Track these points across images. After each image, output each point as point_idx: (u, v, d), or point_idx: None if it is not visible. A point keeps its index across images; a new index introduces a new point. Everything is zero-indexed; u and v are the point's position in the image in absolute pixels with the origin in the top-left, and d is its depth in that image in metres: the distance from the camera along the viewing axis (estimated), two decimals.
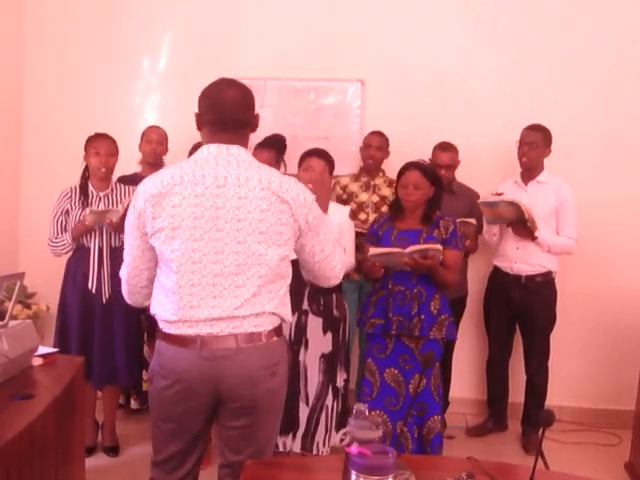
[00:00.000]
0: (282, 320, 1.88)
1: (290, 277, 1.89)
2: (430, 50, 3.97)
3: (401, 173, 3.01)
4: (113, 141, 3.17)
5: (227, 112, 1.81)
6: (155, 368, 1.86)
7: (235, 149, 1.80)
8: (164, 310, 1.80)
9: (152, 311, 1.86)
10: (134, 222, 1.80)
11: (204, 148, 1.82)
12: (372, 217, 3.59)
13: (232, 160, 1.78)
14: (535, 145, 3.44)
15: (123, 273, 1.91)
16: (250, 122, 1.86)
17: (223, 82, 1.86)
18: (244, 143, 1.85)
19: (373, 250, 2.89)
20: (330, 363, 3.04)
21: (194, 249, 1.74)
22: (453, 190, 3.61)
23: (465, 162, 3.72)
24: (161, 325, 1.84)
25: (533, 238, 3.37)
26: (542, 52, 3.90)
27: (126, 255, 1.88)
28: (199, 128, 1.87)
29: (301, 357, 3.00)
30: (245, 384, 1.80)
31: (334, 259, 1.95)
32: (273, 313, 1.82)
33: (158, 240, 1.76)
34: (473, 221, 3.46)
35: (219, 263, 1.75)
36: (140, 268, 1.86)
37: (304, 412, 3.01)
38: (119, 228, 3.09)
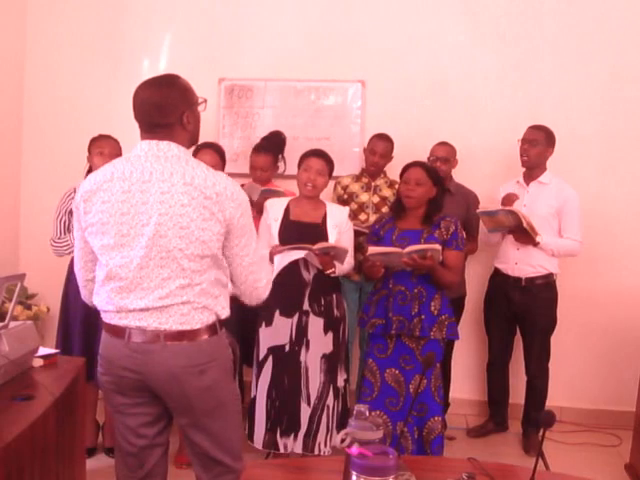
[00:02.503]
0: (216, 316, 1.86)
1: (224, 272, 1.88)
2: (431, 51, 3.97)
3: (404, 170, 3.02)
4: (117, 142, 3.18)
5: (142, 114, 1.86)
6: (98, 354, 1.95)
7: (165, 145, 1.82)
8: (100, 300, 1.88)
9: (93, 302, 1.93)
10: (75, 216, 1.89)
11: (137, 145, 1.87)
12: (372, 217, 3.60)
13: (161, 155, 1.81)
14: (536, 143, 3.43)
15: (74, 267, 2.00)
16: (170, 124, 1.82)
17: (144, 82, 1.88)
18: (176, 140, 1.84)
19: (372, 249, 2.89)
20: (331, 363, 3.04)
21: (122, 244, 1.79)
22: (451, 190, 3.62)
23: (466, 164, 3.72)
24: (101, 314, 1.92)
25: (535, 244, 3.37)
26: (544, 54, 3.90)
27: (74, 248, 1.97)
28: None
29: (302, 357, 3.01)
30: (170, 382, 1.82)
31: (260, 272, 1.94)
32: (203, 307, 1.82)
33: (91, 235, 1.84)
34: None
35: (145, 257, 1.78)
36: (84, 260, 1.94)
37: (305, 412, 3.01)
38: None
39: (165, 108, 1.83)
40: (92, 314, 3.08)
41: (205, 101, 1.94)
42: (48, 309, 3.91)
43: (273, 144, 3.70)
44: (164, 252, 1.77)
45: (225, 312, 1.89)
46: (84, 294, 2.02)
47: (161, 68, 4.12)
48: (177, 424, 1.96)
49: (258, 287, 1.95)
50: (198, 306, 1.81)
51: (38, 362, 2.37)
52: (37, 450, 1.96)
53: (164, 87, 1.85)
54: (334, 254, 2.95)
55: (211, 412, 1.88)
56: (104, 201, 1.79)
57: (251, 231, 1.89)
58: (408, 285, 2.95)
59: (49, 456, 2.08)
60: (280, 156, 3.76)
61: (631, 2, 3.85)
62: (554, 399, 3.61)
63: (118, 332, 1.84)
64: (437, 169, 3.49)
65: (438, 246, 2.84)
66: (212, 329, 1.86)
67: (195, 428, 1.89)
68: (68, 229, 3.13)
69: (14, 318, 2.44)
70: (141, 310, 1.80)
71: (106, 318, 1.88)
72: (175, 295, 1.79)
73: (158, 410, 1.92)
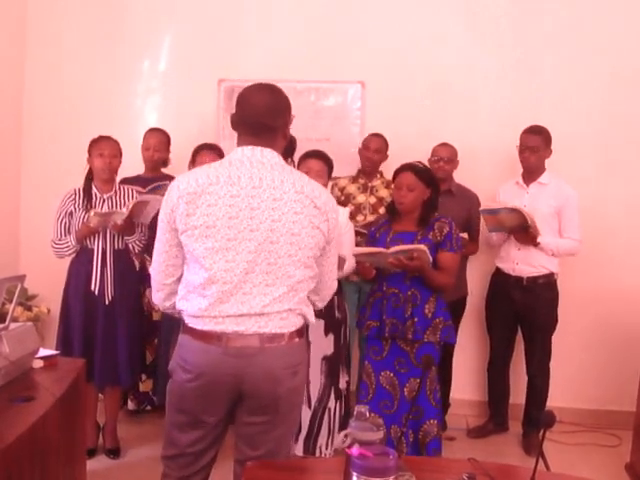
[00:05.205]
0: (305, 321, 1.92)
1: (316, 280, 1.93)
2: (431, 52, 3.97)
3: (395, 175, 3.00)
4: (116, 143, 3.18)
5: (253, 115, 1.85)
6: (177, 361, 1.89)
7: (268, 152, 1.85)
8: (191, 306, 1.84)
9: (178, 307, 1.89)
10: (165, 217, 1.84)
11: (238, 150, 1.86)
12: (370, 218, 3.59)
13: (266, 162, 1.83)
14: (536, 149, 3.43)
15: (152, 268, 1.96)
16: (277, 128, 1.87)
17: (257, 85, 1.90)
18: (275, 148, 1.88)
19: (357, 250, 2.88)
20: (332, 365, 3.03)
21: (227, 248, 1.78)
22: (452, 191, 3.61)
23: (466, 165, 3.72)
24: (187, 320, 1.87)
25: (535, 244, 3.37)
26: (544, 54, 3.90)
27: (155, 250, 1.92)
28: (234, 128, 1.92)
29: None
30: (268, 382, 1.84)
31: (335, 277, 2.04)
32: (298, 314, 1.87)
33: (191, 238, 1.80)
34: (465, 235, 3.43)
35: (251, 262, 1.79)
36: (166, 264, 1.89)
37: (306, 415, 3.00)
38: (123, 230, 3.10)
39: (277, 111, 1.88)
40: (92, 315, 3.11)
41: (293, 117, 1.97)
42: (48, 310, 3.91)
43: (287, 148, 3.70)
44: (272, 258, 1.79)
45: (313, 318, 1.95)
46: (158, 297, 1.95)
47: (161, 69, 4.13)
48: (241, 424, 1.93)
49: (333, 289, 2.05)
50: (295, 312, 1.86)
51: (38, 363, 2.36)
52: (37, 451, 1.95)
53: (277, 92, 1.90)
54: None
55: (289, 412, 1.92)
56: (210, 204, 1.77)
57: (335, 239, 1.96)
58: (401, 288, 2.93)
59: (50, 457, 2.08)
60: (290, 159, 3.76)
61: (631, 2, 3.85)
62: (554, 399, 3.60)
63: (213, 338, 1.81)
64: (439, 169, 3.49)
65: (423, 247, 2.80)
66: (301, 332, 1.91)
67: (267, 426, 1.89)
68: (69, 231, 3.13)
69: (14, 319, 2.44)
70: (240, 315, 1.80)
71: (197, 324, 1.83)
72: (277, 302, 1.81)
73: (225, 414, 1.92)
